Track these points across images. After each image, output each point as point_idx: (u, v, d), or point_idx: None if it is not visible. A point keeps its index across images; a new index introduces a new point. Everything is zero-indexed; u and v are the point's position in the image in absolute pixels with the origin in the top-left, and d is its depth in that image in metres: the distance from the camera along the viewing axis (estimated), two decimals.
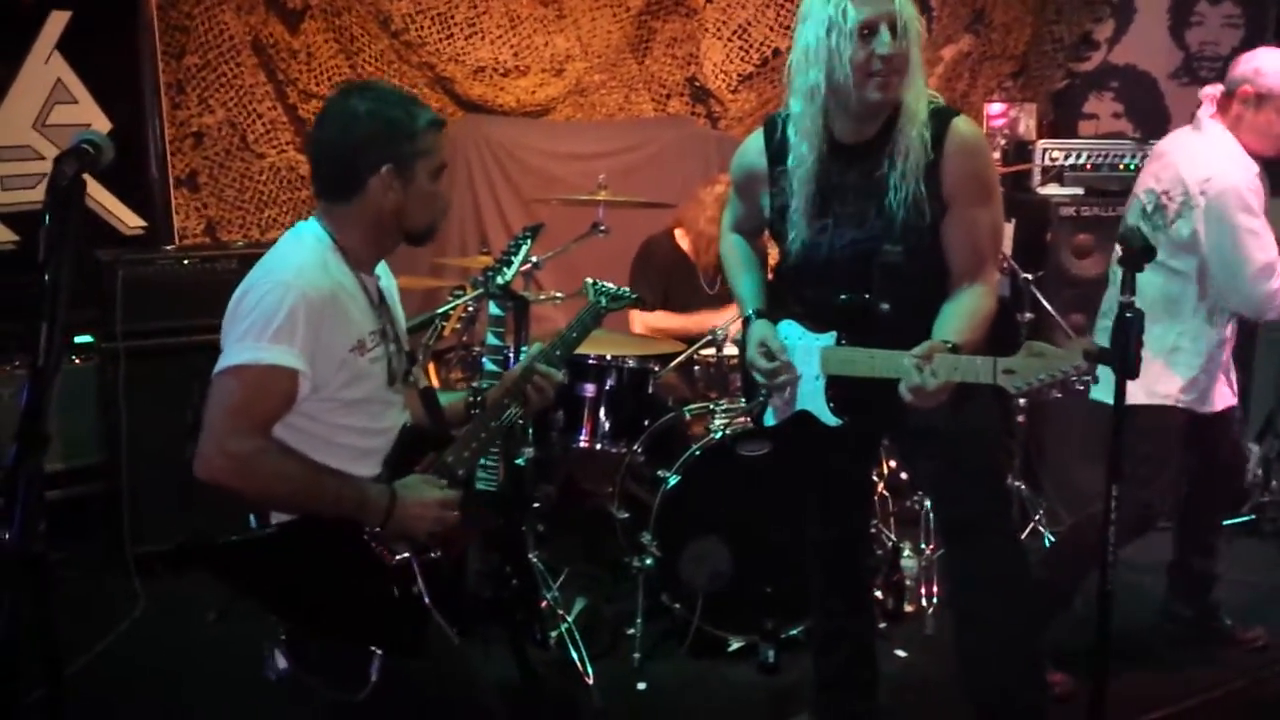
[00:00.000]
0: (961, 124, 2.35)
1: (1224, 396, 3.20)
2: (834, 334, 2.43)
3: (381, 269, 2.16)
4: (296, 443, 1.95)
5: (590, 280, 2.54)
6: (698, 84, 5.56)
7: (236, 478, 1.87)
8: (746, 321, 2.59)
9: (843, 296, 2.41)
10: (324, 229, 2.03)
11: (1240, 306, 3.07)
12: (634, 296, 2.53)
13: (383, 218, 2.02)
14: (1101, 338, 3.16)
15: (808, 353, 2.46)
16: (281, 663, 1.98)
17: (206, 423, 1.87)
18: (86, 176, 1.60)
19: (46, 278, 1.52)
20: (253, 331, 1.87)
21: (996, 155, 5.15)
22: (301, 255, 1.98)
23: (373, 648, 1.96)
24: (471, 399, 2.27)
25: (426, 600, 2.01)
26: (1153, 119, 5.44)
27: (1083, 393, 2.18)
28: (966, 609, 2.56)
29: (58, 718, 1.53)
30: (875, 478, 3.58)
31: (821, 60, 2.26)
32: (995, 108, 5.31)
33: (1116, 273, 3.23)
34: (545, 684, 2.87)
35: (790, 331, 2.52)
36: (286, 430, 1.94)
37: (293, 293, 1.89)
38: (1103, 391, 2.96)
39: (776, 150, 2.46)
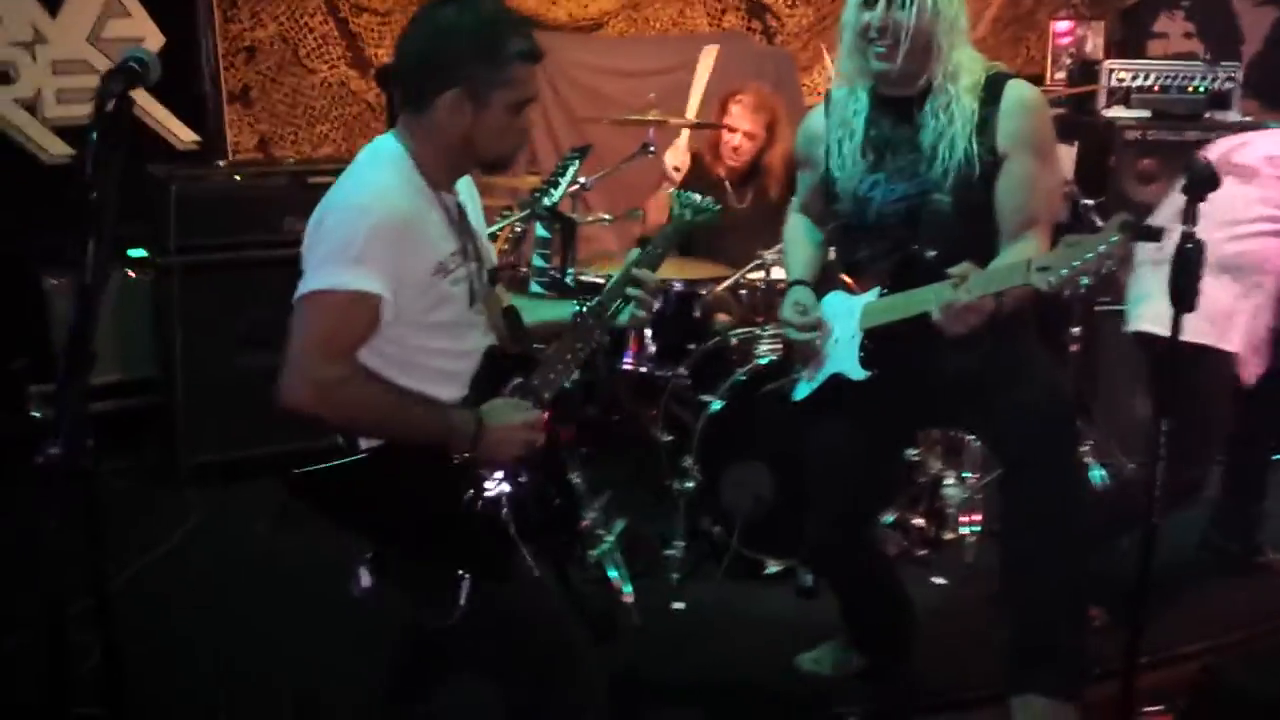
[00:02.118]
0: (1019, 83, 2.36)
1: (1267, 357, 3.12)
2: (877, 290, 2.41)
3: (462, 183, 2.09)
4: (380, 367, 1.91)
5: (675, 191, 2.46)
6: None
7: (322, 406, 1.84)
8: (787, 288, 2.58)
9: (889, 248, 2.40)
10: (401, 143, 1.96)
11: None
12: (718, 207, 2.42)
13: (450, 140, 1.94)
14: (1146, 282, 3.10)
15: (849, 314, 2.45)
16: (366, 580, 1.98)
17: (289, 351, 1.83)
18: (141, 91, 1.60)
19: (93, 195, 1.54)
20: (332, 256, 1.84)
21: (1061, 76, 5.01)
22: (380, 176, 1.93)
23: (461, 572, 1.96)
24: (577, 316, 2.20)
25: (512, 529, 2.00)
26: (1225, 40, 5.24)
27: (1070, 301, 2.13)
28: (1016, 543, 2.53)
29: (105, 629, 1.58)
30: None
31: (849, 21, 2.33)
32: (1062, 25, 5.15)
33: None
34: (585, 602, 2.91)
35: (834, 300, 2.51)
36: (370, 354, 1.91)
37: (371, 217, 1.84)
38: (1152, 321, 2.90)
39: (834, 116, 2.48)
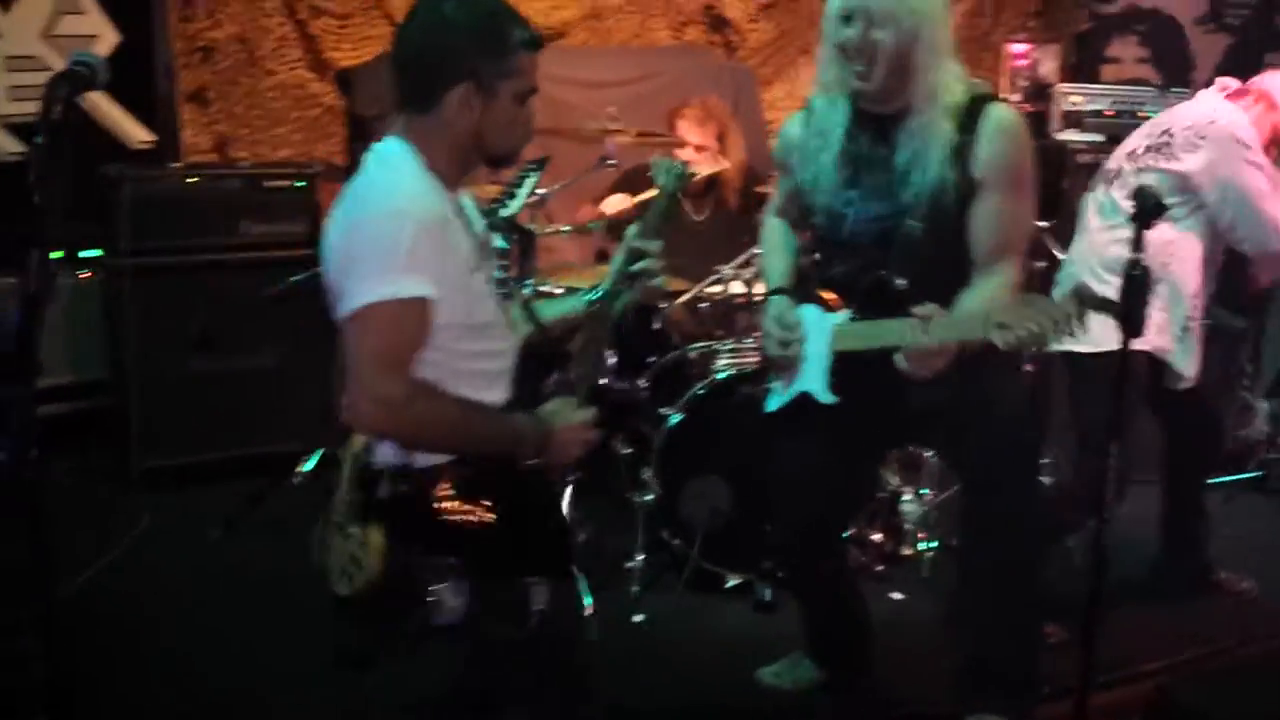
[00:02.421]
0: (1000, 109, 2.33)
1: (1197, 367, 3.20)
2: (849, 312, 2.40)
3: None
4: (430, 378, 1.85)
5: (657, 159, 2.43)
6: (715, 12, 5.46)
7: (390, 424, 1.80)
8: (767, 298, 2.57)
9: (859, 271, 2.39)
10: (408, 145, 1.90)
11: (1246, 237, 3.05)
12: (692, 172, 2.41)
13: (460, 136, 1.90)
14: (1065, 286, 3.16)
15: (821, 332, 2.44)
16: (454, 601, 1.92)
17: (350, 371, 1.78)
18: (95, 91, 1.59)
19: (36, 200, 1.51)
20: (377, 266, 1.77)
21: (1016, 97, 5.07)
22: (403, 180, 1.87)
23: (534, 578, 1.96)
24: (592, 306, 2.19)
25: (569, 522, 2.03)
26: (1177, 65, 5.34)
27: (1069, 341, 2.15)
28: (974, 568, 2.54)
29: (50, 639, 1.54)
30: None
31: (827, 34, 2.32)
32: (1018, 48, 5.21)
33: (1086, 216, 3.24)
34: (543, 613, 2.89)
35: (809, 314, 2.49)
36: (419, 366, 1.85)
37: (410, 220, 1.79)
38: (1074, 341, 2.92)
39: (813, 125, 2.46)
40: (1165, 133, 3.10)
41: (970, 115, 2.30)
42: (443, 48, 1.86)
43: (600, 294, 2.15)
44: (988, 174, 2.29)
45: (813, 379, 2.43)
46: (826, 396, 2.40)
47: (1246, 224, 3.03)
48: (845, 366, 2.39)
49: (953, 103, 2.29)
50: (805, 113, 2.52)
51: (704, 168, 3.96)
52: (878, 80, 2.27)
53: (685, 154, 4.02)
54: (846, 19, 2.26)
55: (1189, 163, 3.02)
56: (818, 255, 2.61)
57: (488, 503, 1.91)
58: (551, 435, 1.93)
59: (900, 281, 2.33)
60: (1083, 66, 5.51)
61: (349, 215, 1.86)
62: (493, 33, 1.87)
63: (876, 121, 2.36)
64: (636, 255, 2.15)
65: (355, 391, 1.78)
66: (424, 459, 1.89)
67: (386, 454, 1.91)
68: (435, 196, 1.89)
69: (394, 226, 1.78)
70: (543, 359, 2.07)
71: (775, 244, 2.69)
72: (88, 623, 3.04)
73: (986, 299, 2.24)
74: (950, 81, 2.30)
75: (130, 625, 3.12)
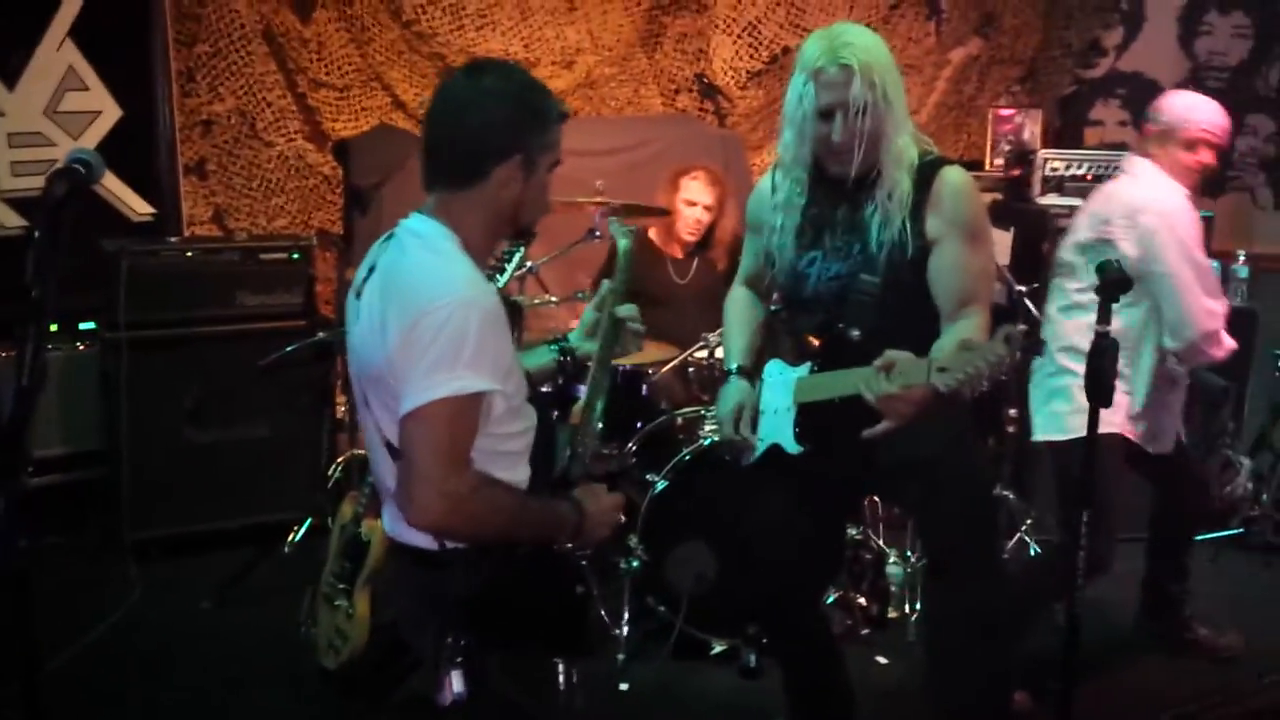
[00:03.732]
0: (951, 170, 2.41)
1: (1172, 437, 3.27)
2: (809, 365, 2.47)
3: None
4: (478, 465, 1.84)
5: (610, 219, 2.58)
6: (706, 80, 5.58)
7: (455, 518, 1.79)
8: (725, 376, 2.63)
9: (817, 326, 2.46)
10: (441, 223, 1.87)
11: (1175, 336, 3.07)
12: (632, 227, 2.50)
13: (502, 210, 1.89)
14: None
15: (784, 386, 2.50)
16: (459, 686, 1.89)
17: (415, 468, 1.76)
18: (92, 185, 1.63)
19: (33, 295, 1.57)
20: (445, 360, 1.73)
21: (1000, 161, 5.17)
22: (455, 266, 1.84)
23: (562, 656, 2.04)
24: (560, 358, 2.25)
25: (593, 595, 2.05)
26: None
27: (1006, 383, 2.22)
28: (938, 646, 2.59)
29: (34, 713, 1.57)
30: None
31: (795, 123, 2.38)
32: (1005, 112, 5.32)
33: (1056, 292, 3.29)
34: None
35: (772, 369, 2.57)
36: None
37: (475, 311, 1.76)
38: (1044, 430, 3.08)
39: (776, 195, 2.54)
40: (1104, 222, 3.14)
41: (924, 176, 2.39)
42: (491, 122, 1.83)
43: (573, 342, 2.24)
44: (943, 230, 2.37)
45: (779, 431, 2.49)
46: (792, 447, 2.46)
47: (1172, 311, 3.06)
48: (810, 418, 2.44)
49: (908, 160, 2.38)
50: (772, 176, 2.59)
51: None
52: (859, 162, 2.35)
53: (694, 213, 4.12)
54: (826, 115, 2.32)
55: (1127, 249, 3.05)
56: (784, 312, 2.67)
57: (524, 582, 1.94)
58: (586, 517, 1.96)
59: (855, 333, 2.40)
60: (1066, 129, 5.62)
61: (406, 305, 1.79)
62: (536, 105, 1.87)
63: (838, 184, 2.44)
64: (617, 322, 2.22)
65: (419, 488, 1.76)
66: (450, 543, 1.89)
67: (413, 537, 1.91)
68: (484, 279, 1.89)
69: (461, 318, 1.74)
70: (551, 433, 2.06)
71: (737, 319, 2.73)
72: (80, 693, 3.07)
73: (957, 338, 2.27)
74: (907, 142, 2.39)
75: (120, 695, 3.14)
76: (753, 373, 2.61)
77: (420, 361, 1.74)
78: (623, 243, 2.45)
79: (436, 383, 1.73)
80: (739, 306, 2.76)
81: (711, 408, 3.56)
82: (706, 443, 3.40)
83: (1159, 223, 3.05)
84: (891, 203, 2.37)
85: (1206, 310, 3.05)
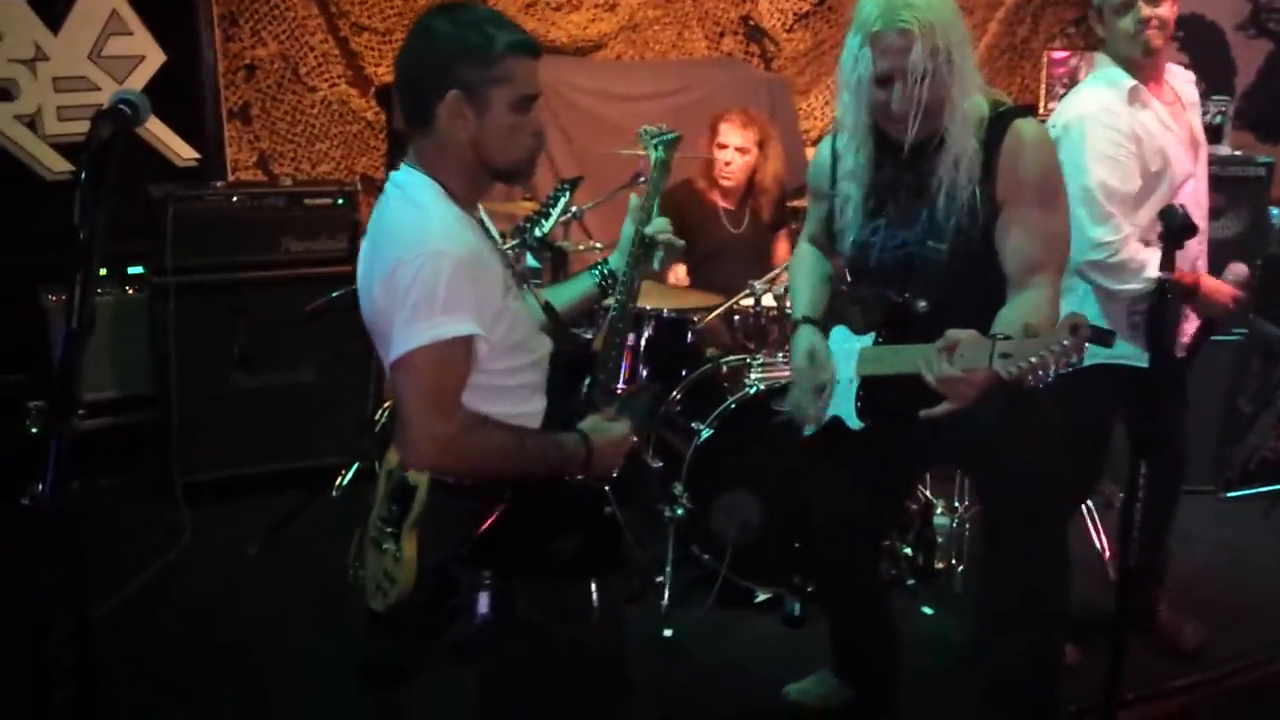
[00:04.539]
0: (1024, 124, 2.27)
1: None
2: (873, 335, 2.40)
3: None
4: (476, 402, 1.89)
5: (643, 129, 2.44)
6: (752, 22, 5.47)
7: (449, 459, 1.85)
8: (794, 327, 2.55)
9: (885, 297, 2.38)
10: (421, 171, 1.91)
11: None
12: (678, 135, 2.41)
13: (460, 150, 1.88)
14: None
15: (848, 356, 2.44)
16: (485, 607, 1.95)
17: (405, 414, 1.84)
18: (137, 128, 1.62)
19: (81, 238, 1.56)
20: (421, 309, 1.79)
21: (1054, 106, 5.02)
22: (432, 213, 1.87)
23: (597, 576, 2.03)
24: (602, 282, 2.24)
25: (620, 518, 2.06)
26: (1218, 71, 5.24)
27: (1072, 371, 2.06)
28: (993, 608, 2.55)
29: (84, 662, 1.59)
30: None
31: (851, 88, 2.26)
32: (1059, 54, 5.17)
33: None
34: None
35: (838, 336, 2.50)
36: (465, 392, 1.89)
37: (446, 260, 1.80)
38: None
39: (840, 161, 2.44)
40: None
41: (994, 131, 2.26)
42: (430, 59, 1.87)
43: (613, 265, 2.22)
44: (1016, 189, 2.24)
45: (842, 404, 2.45)
46: (854, 422, 2.41)
47: None
48: (873, 392, 2.39)
49: (977, 118, 2.26)
50: (833, 139, 2.49)
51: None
52: (917, 129, 2.22)
53: (725, 155, 4.06)
54: (883, 82, 2.20)
55: None
56: (849, 280, 2.60)
57: (541, 511, 1.96)
58: (594, 450, 1.97)
59: (922, 304, 2.32)
60: None
61: (384, 258, 1.85)
62: (476, 39, 1.86)
63: (903, 150, 2.30)
64: (644, 241, 2.20)
65: (413, 433, 1.82)
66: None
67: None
68: (462, 227, 1.90)
69: (432, 267, 1.79)
70: (572, 362, 2.11)
71: (804, 270, 2.66)
72: (130, 634, 3.12)
73: (1023, 311, 2.16)
74: (978, 101, 2.27)
75: (168, 638, 3.20)
76: (820, 324, 2.54)
77: (400, 312, 1.81)
78: (655, 154, 2.36)
79: (416, 331, 1.79)
80: (806, 262, 2.68)
81: (758, 354, 3.54)
82: (752, 390, 3.37)
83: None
84: (959, 171, 2.24)
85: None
